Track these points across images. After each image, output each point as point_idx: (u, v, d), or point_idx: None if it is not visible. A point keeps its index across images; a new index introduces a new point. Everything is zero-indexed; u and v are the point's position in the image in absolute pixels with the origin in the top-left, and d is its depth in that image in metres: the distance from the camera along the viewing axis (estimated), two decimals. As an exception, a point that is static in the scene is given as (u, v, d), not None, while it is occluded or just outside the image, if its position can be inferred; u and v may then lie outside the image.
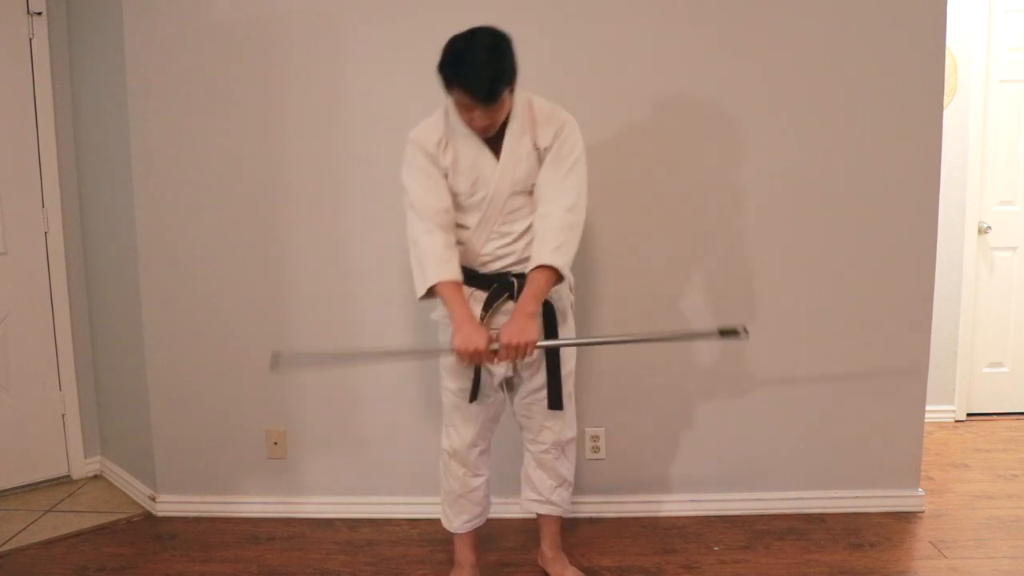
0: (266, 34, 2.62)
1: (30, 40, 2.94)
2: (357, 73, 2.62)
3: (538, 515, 2.34)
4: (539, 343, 1.97)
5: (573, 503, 2.69)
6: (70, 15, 3.00)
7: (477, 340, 1.92)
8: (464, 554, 2.32)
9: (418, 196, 2.01)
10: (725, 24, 2.56)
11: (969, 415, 3.76)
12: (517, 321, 1.95)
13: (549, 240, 1.97)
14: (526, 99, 2.02)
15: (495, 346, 1.94)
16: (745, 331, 1.96)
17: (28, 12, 2.92)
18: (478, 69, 1.83)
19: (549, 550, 2.36)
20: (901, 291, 2.66)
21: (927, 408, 2.79)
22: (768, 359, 2.70)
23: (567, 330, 2.20)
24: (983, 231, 3.63)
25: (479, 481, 2.25)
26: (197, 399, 2.80)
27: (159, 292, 2.76)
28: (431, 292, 2.01)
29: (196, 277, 2.74)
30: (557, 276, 1.99)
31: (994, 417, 3.76)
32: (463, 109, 1.92)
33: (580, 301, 2.65)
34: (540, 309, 2.00)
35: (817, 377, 2.71)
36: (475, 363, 1.99)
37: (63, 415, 3.15)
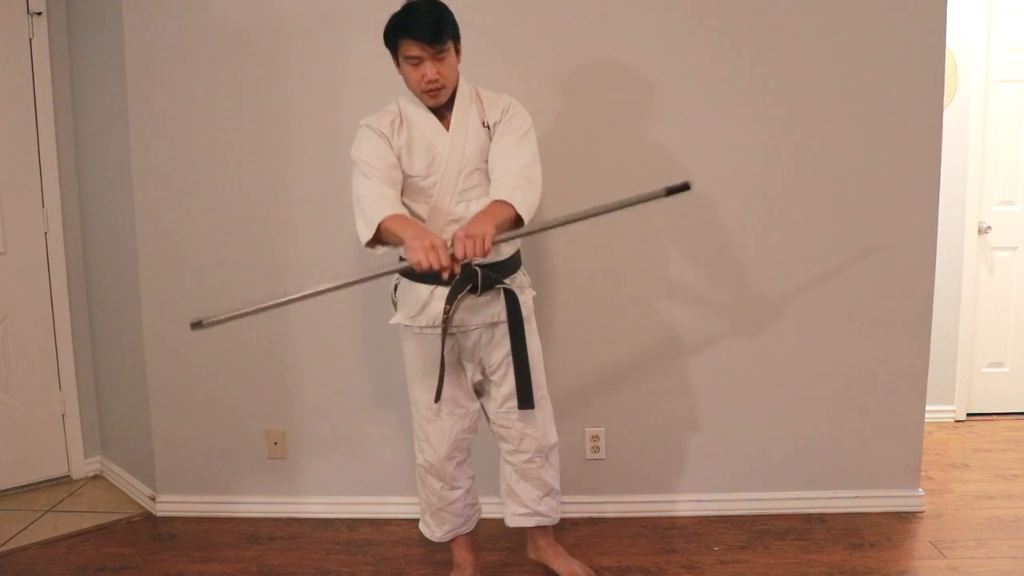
0: (266, 34, 2.62)
1: (30, 40, 2.94)
2: (357, 73, 2.62)
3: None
4: (496, 237, 1.82)
5: (573, 503, 2.70)
6: (70, 15, 3.00)
7: (432, 236, 1.81)
8: (463, 555, 2.31)
9: (366, 161, 1.97)
10: (724, 24, 2.56)
11: (969, 415, 3.76)
12: (472, 220, 1.89)
13: (507, 183, 1.94)
14: (472, 86, 2.07)
15: (451, 250, 1.80)
16: (689, 186, 1.87)
17: (28, 12, 2.92)
18: (421, 16, 1.91)
19: (549, 545, 2.32)
20: (901, 291, 2.66)
21: (927, 408, 2.78)
22: (768, 359, 2.70)
23: (531, 327, 2.16)
24: (983, 231, 3.63)
25: (457, 493, 2.21)
26: (197, 399, 2.80)
27: (159, 292, 2.76)
28: (378, 241, 1.94)
29: (196, 277, 2.74)
30: (515, 219, 1.92)
31: (994, 417, 3.76)
32: (412, 67, 1.94)
33: (577, 310, 2.66)
34: (494, 229, 1.84)
35: (817, 377, 2.71)
36: (435, 262, 1.77)
37: (63, 415, 3.15)
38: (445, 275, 1.80)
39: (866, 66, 2.56)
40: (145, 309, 2.77)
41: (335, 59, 2.62)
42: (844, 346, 2.69)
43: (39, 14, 2.94)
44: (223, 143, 2.68)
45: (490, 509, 2.70)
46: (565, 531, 2.60)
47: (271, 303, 1.89)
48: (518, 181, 1.95)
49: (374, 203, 1.92)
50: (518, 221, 1.93)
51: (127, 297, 2.84)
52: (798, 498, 2.76)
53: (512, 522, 2.27)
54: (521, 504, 2.24)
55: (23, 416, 3.07)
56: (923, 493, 2.78)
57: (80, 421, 3.18)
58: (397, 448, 2.76)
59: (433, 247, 1.77)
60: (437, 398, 2.08)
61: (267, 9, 2.61)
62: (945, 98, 2.75)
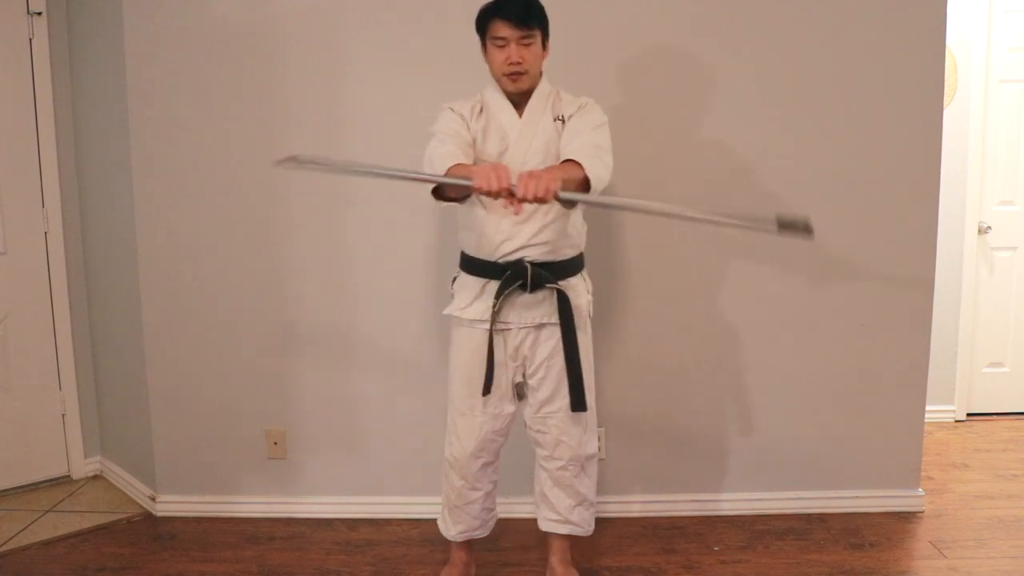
0: (266, 34, 2.62)
1: (30, 40, 2.94)
2: (357, 73, 2.61)
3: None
4: (560, 194, 1.75)
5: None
6: (70, 15, 3.00)
7: (496, 164, 1.81)
8: (460, 555, 2.31)
9: (443, 132, 2.01)
10: (724, 23, 2.56)
11: (969, 415, 3.76)
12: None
13: (580, 151, 1.93)
14: (555, 88, 2.11)
15: (514, 185, 1.75)
16: (810, 231, 1.62)
17: (28, 12, 2.92)
18: (513, 1, 1.97)
19: (559, 565, 2.28)
20: (901, 291, 2.66)
21: (927, 408, 2.79)
22: (768, 359, 2.70)
23: (584, 336, 2.14)
24: (983, 231, 3.63)
25: (477, 495, 2.19)
26: (197, 399, 2.80)
27: (159, 292, 2.76)
28: (444, 197, 1.95)
29: (196, 277, 2.74)
30: (583, 181, 1.88)
31: (994, 417, 3.76)
32: (498, 49, 1.99)
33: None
34: (560, 182, 1.77)
35: (817, 377, 2.71)
36: (494, 183, 1.72)
37: (63, 415, 3.15)
38: (506, 205, 1.77)
39: (866, 66, 2.56)
40: (145, 309, 2.77)
41: (335, 59, 2.61)
42: (844, 346, 2.69)
43: (39, 14, 2.94)
44: (223, 143, 2.67)
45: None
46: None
47: (363, 169, 2.09)
48: (591, 151, 1.95)
49: (443, 157, 1.93)
50: (585, 187, 1.90)
51: (127, 297, 2.84)
52: (798, 498, 2.76)
53: (544, 526, 2.26)
54: (554, 511, 2.21)
55: (23, 416, 3.06)
56: (923, 493, 2.78)
57: (80, 421, 3.18)
58: (397, 448, 2.76)
59: (495, 169, 1.75)
60: (486, 391, 2.09)
61: (267, 9, 2.61)
62: (945, 98, 2.75)
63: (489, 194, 1.74)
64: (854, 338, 2.68)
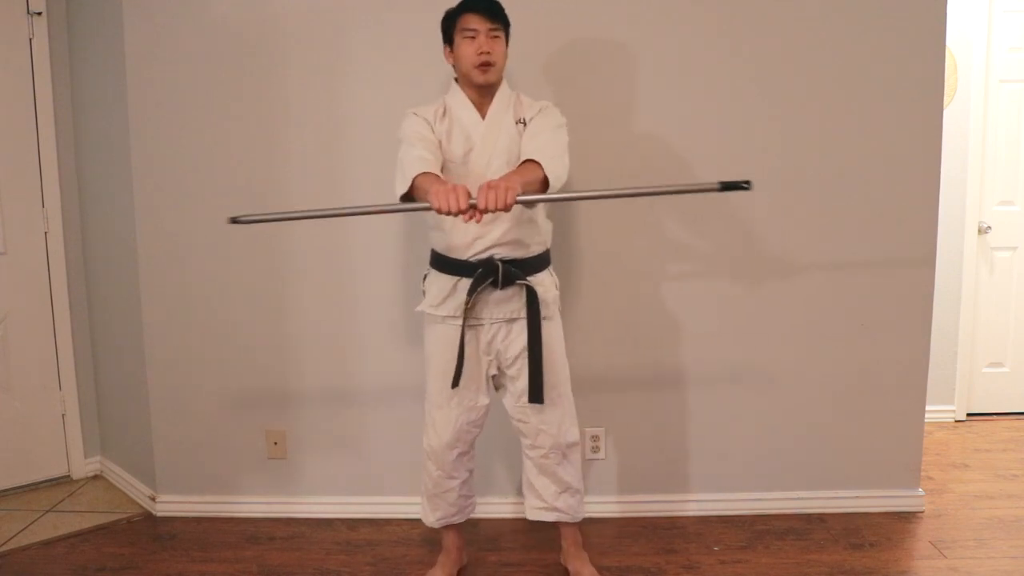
0: (266, 34, 2.62)
1: (30, 40, 2.94)
2: (357, 73, 2.62)
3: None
4: (519, 197, 1.81)
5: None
6: (70, 15, 3.00)
7: (454, 186, 1.81)
8: (450, 540, 2.36)
9: (411, 134, 2.06)
10: (723, 23, 2.56)
11: (969, 415, 3.76)
12: (500, 177, 1.92)
13: (540, 151, 1.99)
14: (514, 92, 2.18)
15: (474, 201, 1.80)
16: (748, 184, 1.78)
17: (28, 12, 2.92)
18: None
19: (571, 547, 2.35)
20: (901, 291, 2.66)
21: (927, 408, 2.79)
22: (768, 359, 2.70)
23: (554, 325, 2.20)
24: (983, 231, 3.63)
25: (453, 483, 2.24)
26: (197, 399, 2.80)
27: (159, 292, 2.76)
28: (412, 200, 1.98)
29: (196, 277, 2.74)
30: (542, 181, 1.95)
31: (994, 417, 3.76)
32: (468, 41, 2.05)
33: (576, 310, 2.66)
34: (519, 187, 1.83)
35: (817, 377, 2.71)
36: (452, 205, 1.77)
37: (63, 415, 3.15)
38: (465, 219, 1.81)
39: (866, 66, 2.56)
40: (145, 309, 2.77)
41: (335, 59, 2.61)
42: (844, 346, 2.69)
43: (39, 14, 2.94)
44: (223, 143, 2.67)
45: (490, 509, 2.71)
46: (565, 531, 2.60)
47: (310, 213, 2.17)
48: (550, 151, 2.01)
49: (413, 163, 1.98)
50: (545, 187, 1.97)
51: (127, 297, 2.84)
52: (798, 498, 2.76)
53: (531, 515, 2.30)
54: (539, 498, 2.26)
55: (23, 416, 3.06)
56: (923, 493, 2.78)
57: (80, 421, 3.18)
58: (397, 448, 2.76)
59: (454, 190, 1.78)
60: (455, 384, 2.14)
61: (267, 9, 2.61)
62: (945, 98, 2.75)
63: (448, 215, 1.79)
64: (854, 338, 2.69)
